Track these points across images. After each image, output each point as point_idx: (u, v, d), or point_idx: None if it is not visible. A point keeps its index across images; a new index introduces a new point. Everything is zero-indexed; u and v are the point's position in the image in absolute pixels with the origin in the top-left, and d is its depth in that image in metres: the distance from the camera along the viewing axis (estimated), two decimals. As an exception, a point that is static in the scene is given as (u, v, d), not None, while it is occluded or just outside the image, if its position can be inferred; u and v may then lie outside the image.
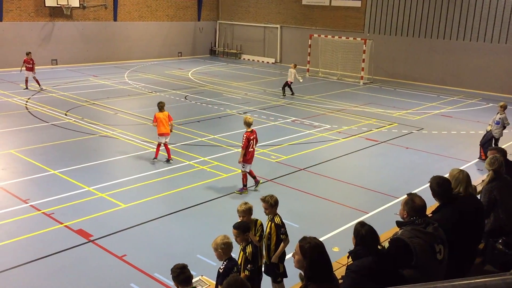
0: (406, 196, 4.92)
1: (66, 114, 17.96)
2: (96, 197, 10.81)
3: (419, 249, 4.47)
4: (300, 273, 4.14)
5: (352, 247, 4.48)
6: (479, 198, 6.19)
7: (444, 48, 27.18)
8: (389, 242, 4.78)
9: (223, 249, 5.58)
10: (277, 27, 34.58)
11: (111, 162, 13.23)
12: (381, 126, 17.85)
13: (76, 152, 13.85)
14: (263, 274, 6.66)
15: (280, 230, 6.55)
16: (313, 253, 3.84)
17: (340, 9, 31.15)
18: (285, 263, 6.78)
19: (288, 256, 6.79)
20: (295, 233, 6.69)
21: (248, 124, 11.06)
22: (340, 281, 4.35)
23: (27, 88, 22.17)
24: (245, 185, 11.28)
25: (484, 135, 14.36)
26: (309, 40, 30.17)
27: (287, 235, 6.61)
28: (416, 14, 27.99)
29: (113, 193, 11.04)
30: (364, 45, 27.54)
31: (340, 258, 6.19)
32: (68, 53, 29.88)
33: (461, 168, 5.84)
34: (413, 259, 4.44)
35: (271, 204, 6.59)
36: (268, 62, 35.00)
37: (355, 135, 16.46)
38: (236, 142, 14.63)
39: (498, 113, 14.15)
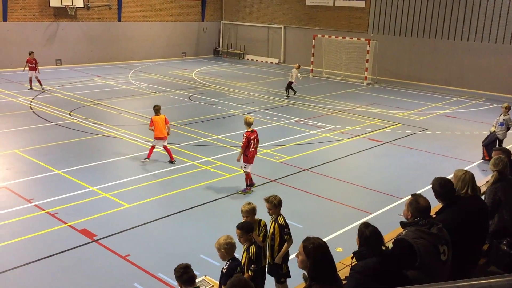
0: (410, 196, 4.91)
1: (70, 114, 18.01)
2: (100, 197, 10.83)
3: (423, 250, 4.46)
4: (304, 273, 4.14)
5: (356, 247, 4.48)
6: (483, 199, 6.17)
7: (448, 48, 27.11)
8: (393, 242, 4.77)
9: (226, 249, 5.58)
10: (281, 28, 34.58)
11: (115, 162, 13.25)
12: (385, 127, 17.82)
13: (80, 152, 13.88)
14: (267, 275, 6.66)
15: (284, 231, 6.55)
16: (317, 253, 3.85)
17: (344, 10, 31.13)
18: (289, 264, 6.78)
19: (292, 256, 6.79)
20: (299, 233, 6.69)
21: (248, 124, 11.08)
22: (344, 281, 4.34)
23: (31, 88, 22.24)
24: (248, 185, 11.28)
25: (488, 136, 14.30)
26: (313, 40, 30.14)
27: (290, 236, 6.61)
28: (420, 14, 27.93)
29: (117, 193, 11.07)
30: (368, 46, 27.50)
31: (343, 258, 6.17)
32: (72, 53, 29.96)
33: (465, 168, 5.82)
34: (417, 260, 4.44)
35: (274, 205, 6.58)
36: (271, 63, 34.99)
37: (358, 136, 16.44)
38: (239, 143, 14.56)
39: (501, 114, 14.09)
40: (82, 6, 29.60)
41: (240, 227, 6.04)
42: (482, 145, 14.27)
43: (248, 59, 36.58)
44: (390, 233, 6.43)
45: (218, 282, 5.83)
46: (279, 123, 17.73)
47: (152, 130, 12.82)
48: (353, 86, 26.78)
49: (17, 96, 20.90)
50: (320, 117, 18.94)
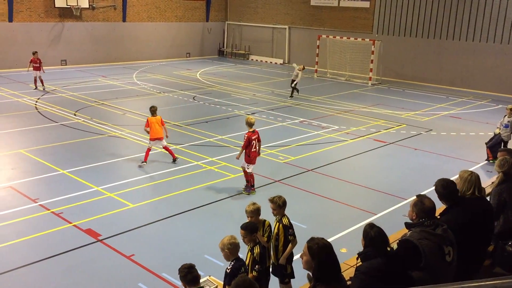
0: (415, 197, 4.91)
1: (75, 114, 18.06)
2: (104, 197, 10.86)
3: (428, 250, 4.45)
4: (308, 274, 4.15)
5: (360, 248, 4.48)
6: (488, 200, 6.15)
7: (453, 49, 27.02)
8: (397, 243, 4.77)
9: (230, 249, 5.58)
10: (285, 28, 34.57)
11: (119, 162, 13.28)
12: (389, 127, 17.78)
13: (85, 152, 13.92)
14: (271, 275, 6.66)
15: (288, 231, 6.54)
16: (322, 253, 3.86)
17: (349, 10, 31.09)
18: (293, 264, 6.77)
19: (296, 257, 6.78)
20: (303, 234, 6.68)
21: (249, 125, 11.10)
22: (349, 282, 4.34)
23: (36, 88, 22.32)
24: (252, 186, 11.29)
25: (492, 138, 14.18)
26: (318, 41, 30.11)
27: (295, 236, 6.60)
28: (425, 15, 27.85)
29: (122, 193, 11.09)
30: (373, 46, 27.45)
31: (348, 259, 6.17)
32: (78, 53, 30.05)
33: (470, 169, 5.81)
34: (422, 261, 4.43)
35: (279, 205, 6.58)
36: (276, 63, 34.99)
37: (363, 136, 16.41)
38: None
39: (505, 115, 13.98)
40: (87, 6, 29.69)
41: (244, 227, 6.04)
42: (487, 147, 14.21)
43: (252, 59, 36.59)
44: (395, 234, 6.42)
45: (222, 282, 5.84)
46: (284, 124, 17.73)
47: (148, 131, 12.80)
48: (357, 87, 26.74)
49: (23, 96, 20.98)
50: (325, 118, 18.93)
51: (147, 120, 12.79)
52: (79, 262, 8.20)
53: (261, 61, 35.92)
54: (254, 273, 6.05)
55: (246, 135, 11.01)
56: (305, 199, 11.10)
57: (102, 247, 8.68)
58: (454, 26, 26.85)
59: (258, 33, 36.25)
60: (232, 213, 10.28)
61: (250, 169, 11.18)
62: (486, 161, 13.98)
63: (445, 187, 5.32)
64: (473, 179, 5.49)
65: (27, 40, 27.71)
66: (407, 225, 4.85)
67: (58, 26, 29.13)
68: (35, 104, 19.48)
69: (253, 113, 18.73)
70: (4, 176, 11.91)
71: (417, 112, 20.71)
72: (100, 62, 31.08)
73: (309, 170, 12.97)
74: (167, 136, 13.05)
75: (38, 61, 21.98)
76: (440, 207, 5.61)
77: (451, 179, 5.57)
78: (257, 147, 11.14)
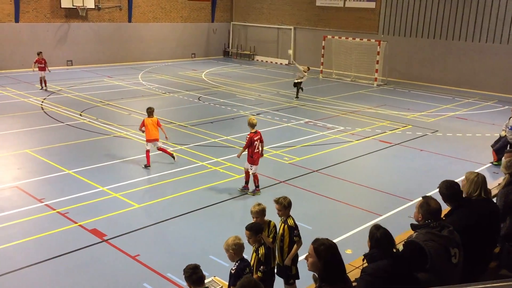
0: (421, 199, 4.89)
1: (80, 115, 18.12)
2: (110, 197, 10.88)
3: (434, 252, 4.43)
4: (314, 274, 4.14)
5: (366, 249, 4.46)
6: (494, 201, 6.12)
7: (459, 49, 26.92)
8: (403, 245, 4.75)
9: (234, 250, 5.58)
10: (291, 29, 34.55)
11: (125, 162, 13.31)
12: (395, 128, 17.73)
13: (91, 152, 13.96)
14: (276, 276, 6.65)
15: (293, 232, 6.53)
16: (327, 254, 3.85)
17: (354, 11, 31.03)
18: (298, 265, 6.76)
19: (301, 258, 6.77)
20: (308, 235, 6.67)
21: (252, 125, 11.10)
22: (354, 283, 4.33)
23: (42, 88, 22.42)
24: (257, 186, 11.29)
25: (498, 140, 14.04)
26: (323, 41, 30.07)
27: (300, 238, 6.58)
28: (431, 15, 27.76)
29: (127, 193, 11.11)
30: (378, 47, 27.39)
31: (353, 260, 6.15)
32: (83, 54, 30.16)
33: (476, 171, 5.78)
34: (428, 262, 4.41)
35: (284, 206, 6.56)
36: (281, 64, 34.98)
37: (369, 137, 16.37)
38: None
39: (510, 117, 13.86)
40: (93, 7, 29.79)
41: (249, 228, 6.04)
42: (493, 149, 14.10)
43: (257, 60, 36.59)
44: (401, 235, 6.40)
45: (227, 283, 5.84)
46: (289, 124, 17.71)
47: (143, 131, 12.77)
48: (363, 88, 26.69)
49: (29, 96, 21.07)
50: (330, 118, 18.90)
51: (143, 121, 12.73)
52: (84, 262, 8.22)
53: (266, 61, 35.91)
54: (259, 273, 6.04)
55: (248, 136, 11.05)
56: (310, 200, 11.08)
57: (107, 247, 8.70)
58: (460, 26, 26.75)
59: (264, 33, 36.25)
60: (237, 213, 10.28)
61: (253, 169, 11.18)
62: (491, 163, 13.89)
63: (448, 189, 5.31)
64: (480, 181, 5.47)
65: (33, 41, 27.83)
66: (413, 226, 4.84)
67: (64, 26, 29.25)
68: (41, 104, 19.56)
69: (258, 114, 18.73)
70: (10, 176, 11.97)
71: (423, 113, 20.65)
72: (105, 62, 31.18)
73: (314, 171, 12.95)
74: (167, 137, 13.00)
75: (43, 62, 22.08)
76: (445, 208, 5.59)
77: (457, 180, 5.55)
78: (260, 148, 11.14)
